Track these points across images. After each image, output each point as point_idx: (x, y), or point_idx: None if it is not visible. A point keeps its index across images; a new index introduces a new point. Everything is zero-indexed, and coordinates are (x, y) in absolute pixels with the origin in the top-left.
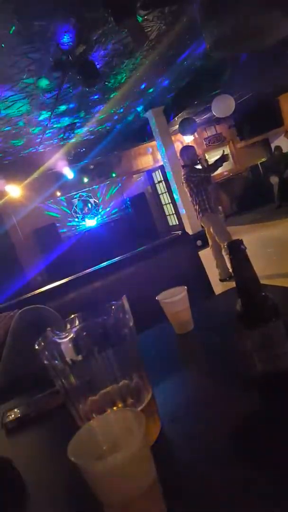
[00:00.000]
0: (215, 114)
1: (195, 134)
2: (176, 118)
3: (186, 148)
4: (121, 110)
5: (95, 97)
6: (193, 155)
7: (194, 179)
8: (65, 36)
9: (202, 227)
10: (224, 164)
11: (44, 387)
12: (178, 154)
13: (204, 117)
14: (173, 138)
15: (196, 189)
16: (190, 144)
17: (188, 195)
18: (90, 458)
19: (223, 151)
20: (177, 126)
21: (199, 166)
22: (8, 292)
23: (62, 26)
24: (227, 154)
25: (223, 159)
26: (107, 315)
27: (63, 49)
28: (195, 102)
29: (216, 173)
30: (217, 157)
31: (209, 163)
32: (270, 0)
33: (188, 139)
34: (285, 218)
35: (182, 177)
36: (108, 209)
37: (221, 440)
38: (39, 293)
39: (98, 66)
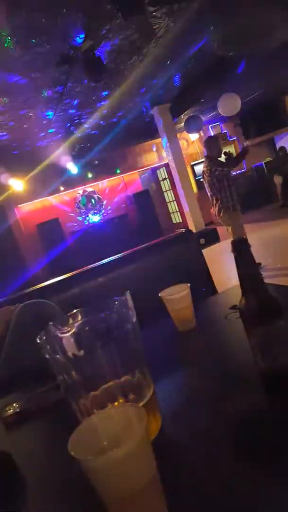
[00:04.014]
0: (221, 112)
1: (201, 132)
2: (182, 116)
3: (211, 139)
4: (127, 106)
5: (101, 92)
6: (218, 146)
7: (218, 173)
8: (73, 31)
9: (210, 224)
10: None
11: (45, 381)
12: (203, 145)
13: (210, 115)
14: (178, 135)
15: (219, 184)
16: (215, 135)
17: (208, 189)
18: (90, 453)
19: (243, 144)
20: (183, 123)
21: (221, 159)
22: (10, 287)
23: (70, 21)
24: (248, 146)
25: (245, 152)
26: (111, 310)
27: (70, 44)
28: (201, 100)
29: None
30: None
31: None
32: (278, 0)
33: (194, 137)
34: (287, 217)
35: (205, 168)
36: (111, 205)
37: (222, 437)
38: (41, 287)
39: (104, 61)
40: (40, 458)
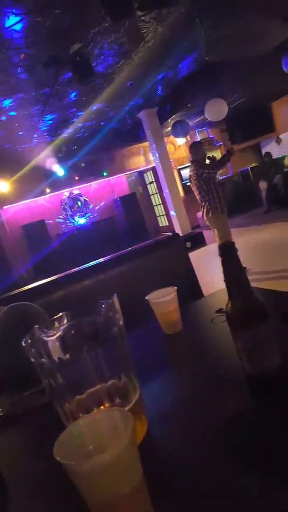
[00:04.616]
0: (207, 117)
1: (187, 136)
2: (169, 120)
3: (196, 144)
4: (114, 109)
5: (89, 94)
6: (202, 151)
7: (205, 175)
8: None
9: (196, 227)
10: None
11: (30, 385)
12: (188, 150)
13: (197, 120)
14: (165, 139)
15: (206, 186)
16: (199, 140)
17: (196, 192)
18: (76, 458)
19: (229, 147)
20: (170, 128)
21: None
22: None
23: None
24: (232, 148)
25: (229, 154)
26: (97, 313)
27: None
28: (189, 105)
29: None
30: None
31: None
32: (265, 7)
33: (181, 142)
34: (272, 222)
35: (191, 173)
36: (98, 208)
37: (208, 440)
38: (26, 290)
39: (93, 64)
40: (24, 463)
